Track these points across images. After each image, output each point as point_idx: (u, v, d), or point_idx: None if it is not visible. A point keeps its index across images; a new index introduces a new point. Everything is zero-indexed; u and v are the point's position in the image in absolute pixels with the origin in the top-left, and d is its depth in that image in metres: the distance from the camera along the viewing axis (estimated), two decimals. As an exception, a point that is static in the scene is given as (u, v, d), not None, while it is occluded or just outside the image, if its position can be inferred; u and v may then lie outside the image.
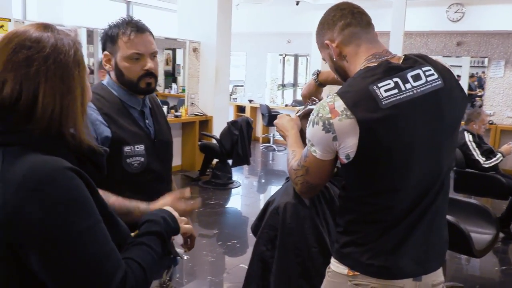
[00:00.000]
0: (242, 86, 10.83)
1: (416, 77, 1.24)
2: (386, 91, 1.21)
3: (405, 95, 1.22)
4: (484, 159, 4.46)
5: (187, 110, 6.98)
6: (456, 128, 1.34)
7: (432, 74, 1.26)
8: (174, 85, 7.86)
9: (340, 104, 1.21)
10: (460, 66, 8.51)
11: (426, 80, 1.25)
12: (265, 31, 9.62)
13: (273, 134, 9.60)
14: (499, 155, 4.49)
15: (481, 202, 3.63)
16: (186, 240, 1.39)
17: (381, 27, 8.06)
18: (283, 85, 10.68)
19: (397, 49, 5.71)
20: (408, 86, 1.22)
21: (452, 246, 3.14)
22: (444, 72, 1.29)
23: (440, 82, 1.26)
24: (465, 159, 4.51)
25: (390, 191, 1.27)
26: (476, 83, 8.38)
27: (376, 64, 1.27)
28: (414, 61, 1.28)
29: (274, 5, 8.18)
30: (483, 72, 8.17)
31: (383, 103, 1.19)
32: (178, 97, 7.53)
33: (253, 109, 10.12)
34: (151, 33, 1.61)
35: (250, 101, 10.31)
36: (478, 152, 4.48)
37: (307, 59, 10.08)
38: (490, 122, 7.25)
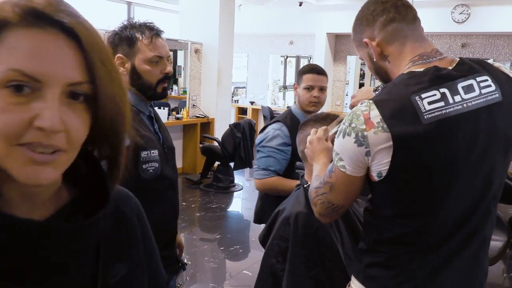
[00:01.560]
0: (244, 87, 10.77)
1: (468, 89, 1.08)
2: (430, 103, 1.05)
3: (452, 109, 1.05)
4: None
5: (189, 112, 6.90)
6: (510, 147, 1.15)
7: (489, 86, 1.09)
8: (175, 87, 7.80)
9: (376, 115, 1.06)
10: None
11: (480, 92, 1.08)
12: (267, 32, 9.56)
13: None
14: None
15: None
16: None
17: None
18: (285, 87, 10.61)
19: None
20: (457, 98, 1.06)
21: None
22: (504, 82, 1.11)
23: (497, 95, 1.09)
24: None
25: (426, 215, 1.12)
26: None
27: (422, 70, 1.11)
28: (469, 68, 1.11)
29: (277, 6, 8.12)
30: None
31: (425, 117, 1.04)
32: (179, 99, 7.46)
33: (255, 111, 10.05)
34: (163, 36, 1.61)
35: (252, 103, 10.24)
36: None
37: (309, 60, 10.01)
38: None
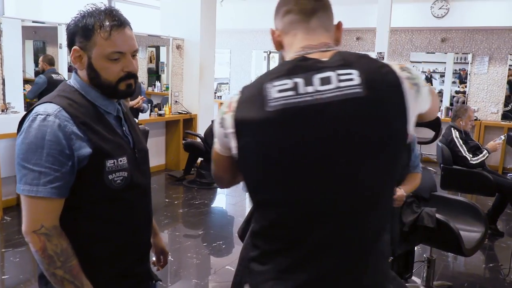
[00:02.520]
0: (227, 83, 10.73)
1: (325, 81, 1.03)
2: (279, 91, 1.04)
3: (301, 99, 1.02)
4: (471, 155, 4.45)
5: (171, 108, 6.87)
6: (387, 147, 1.04)
7: (350, 80, 1.03)
8: (157, 83, 7.74)
9: (236, 100, 1.10)
10: (444, 62, 8.56)
11: (337, 85, 1.03)
12: (250, 28, 9.54)
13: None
14: (485, 151, 4.48)
15: (468, 199, 3.60)
16: (158, 257, 1.31)
17: (367, 24, 8.08)
18: (268, 83, 10.59)
19: (383, 45, 5.68)
20: (309, 89, 1.03)
21: (441, 245, 3.13)
22: (376, 80, 1.04)
23: (359, 90, 1.02)
24: (452, 156, 4.49)
25: (278, 206, 1.09)
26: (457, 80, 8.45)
27: (291, 59, 1.10)
28: (339, 60, 1.07)
29: (259, 1, 8.11)
30: (464, 70, 8.22)
31: (270, 104, 1.03)
32: (162, 95, 7.41)
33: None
34: (130, 27, 1.36)
35: (235, 98, 10.19)
36: (465, 149, 4.47)
37: (292, 56, 10.02)
38: (475, 118, 7.26)
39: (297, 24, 1.16)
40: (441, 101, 8.87)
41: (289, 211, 1.08)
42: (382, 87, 1.03)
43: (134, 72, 1.36)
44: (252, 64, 10.32)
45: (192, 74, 6.91)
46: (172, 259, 3.88)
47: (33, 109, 1.27)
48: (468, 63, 8.10)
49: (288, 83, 1.05)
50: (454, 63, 8.43)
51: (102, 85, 1.33)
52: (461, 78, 8.41)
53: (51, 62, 5.44)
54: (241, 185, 1.24)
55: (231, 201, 5.76)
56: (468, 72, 8.10)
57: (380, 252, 1.10)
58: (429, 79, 9.24)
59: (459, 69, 8.46)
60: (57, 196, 1.22)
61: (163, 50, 7.51)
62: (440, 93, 9.03)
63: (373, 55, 8.51)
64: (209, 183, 6.05)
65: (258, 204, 1.14)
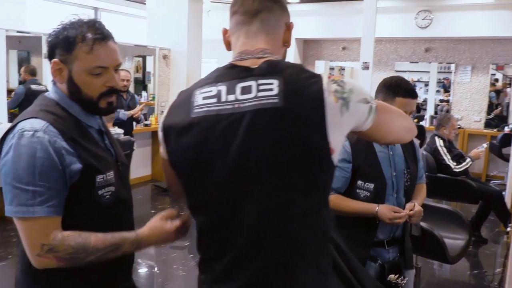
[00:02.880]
0: (214, 93, 10.73)
1: (246, 90, 1.04)
2: (204, 98, 1.06)
3: (222, 107, 1.04)
4: (455, 163, 4.51)
5: (157, 118, 6.85)
6: (301, 160, 1.02)
7: (270, 90, 1.02)
8: (144, 93, 7.72)
9: (170, 105, 1.14)
10: (428, 71, 8.69)
11: (256, 94, 1.02)
12: (236, 38, 9.57)
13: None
14: (468, 159, 4.54)
15: (452, 207, 3.65)
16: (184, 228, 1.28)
17: (352, 34, 8.15)
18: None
19: (368, 55, 5.75)
20: (230, 98, 1.04)
21: (427, 253, 3.15)
22: (296, 92, 1.02)
23: (276, 100, 1.00)
24: (437, 164, 4.54)
25: (195, 211, 1.14)
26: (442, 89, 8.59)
27: (221, 67, 1.12)
28: (264, 69, 1.06)
29: (245, 11, 8.16)
30: (447, 79, 8.35)
31: (194, 111, 1.06)
32: (149, 105, 7.39)
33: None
34: (114, 40, 1.32)
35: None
36: (449, 157, 4.53)
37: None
38: (458, 126, 7.37)
39: (241, 25, 1.15)
40: (425, 109, 8.98)
41: (211, 218, 1.10)
42: (301, 99, 1.01)
43: (116, 88, 1.32)
44: (239, 73, 10.35)
45: (179, 84, 6.91)
46: (158, 271, 3.86)
47: (16, 125, 1.21)
48: (451, 72, 8.23)
49: (212, 90, 1.07)
50: (438, 72, 8.56)
51: (83, 100, 1.29)
52: (445, 87, 8.54)
53: (32, 72, 5.40)
54: None
55: (218, 211, 5.73)
56: (452, 81, 8.22)
57: (311, 264, 1.08)
58: (413, 88, 9.36)
59: (443, 78, 8.59)
60: (54, 214, 1.17)
61: (149, 60, 7.50)
62: (425, 101, 9.15)
63: (358, 64, 8.62)
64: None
65: (189, 210, 1.17)
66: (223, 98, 1.05)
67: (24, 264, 1.25)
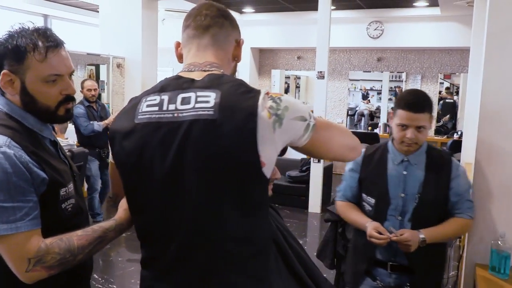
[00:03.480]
0: (170, 102, 10.62)
1: (185, 100, 1.09)
2: (148, 106, 1.13)
3: (162, 115, 1.10)
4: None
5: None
6: (229, 172, 1.05)
7: (206, 102, 1.07)
8: (99, 102, 7.52)
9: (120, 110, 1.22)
10: (381, 80, 8.96)
11: (194, 106, 1.07)
12: (192, 47, 9.51)
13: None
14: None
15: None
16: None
17: (307, 43, 8.25)
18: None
19: (323, 64, 5.84)
20: (171, 107, 1.09)
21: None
22: (231, 105, 1.05)
23: (211, 112, 1.05)
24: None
25: (133, 213, 1.23)
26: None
27: (168, 77, 1.19)
28: (205, 82, 1.11)
29: (201, 20, 8.14)
30: (399, 87, 8.64)
31: (138, 117, 1.13)
32: (102, 115, 7.21)
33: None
34: (65, 47, 1.29)
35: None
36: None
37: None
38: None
39: (192, 39, 1.21)
40: (379, 117, 9.25)
41: (149, 221, 1.16)
42: (235, 112, 1.04)
43: (72, 95, 1.29)
44: (195, 82, 10.29)
45: (134, 93, 6.67)
46: (115, 286, 3.74)
47: None
48: (402, 81, 8.51)
49: (156, 99, 1.13)
50: (390, 81, 8.84)
51: (39, 110, 1.25)
52: (397, 95, 8.83)
53: None
54: None
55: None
56: (403, 90, 8.51)
57: (245, 273, 1.11)
58: (366, 97, 9.62)
59: (395, 87, 8.87)
60: (36, 226, 1.15)
61: (103, 69, 7.32)
62: (378, 109, 9.42)
63: (313, 73, 8.79)
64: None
65: (130, 211, 1.25)
66: (165, 107, 1.11)
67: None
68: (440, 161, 1.98)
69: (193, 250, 1.10)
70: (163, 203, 1.11)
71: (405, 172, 1.95)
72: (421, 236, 1.84)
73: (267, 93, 1.08)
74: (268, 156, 1.05)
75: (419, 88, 8.26)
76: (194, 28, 1.20)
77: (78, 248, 1.17)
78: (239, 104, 1.05)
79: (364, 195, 2.03)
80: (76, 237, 1.18)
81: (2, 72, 1.21)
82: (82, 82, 5.11)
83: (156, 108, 1.11)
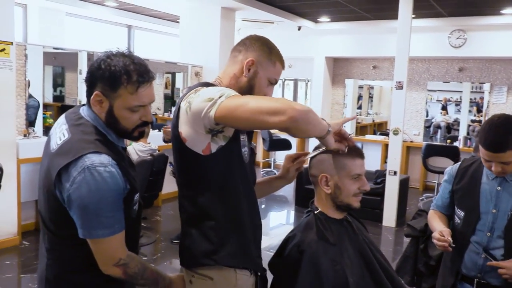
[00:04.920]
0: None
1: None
2: None
3: None
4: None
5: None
6: (174, 146, 1.51)
7: (185, 98, 1.43)
8: (173, 109, 7.81)
9: None
10: (460, 91, 8.52)
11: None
12: (266, 56, 9.60)
13: (274, 159, 9.51)
14: None
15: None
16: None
17: (386, 53, 8.00)
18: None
19: (402, 74, 5.66)
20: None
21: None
22: (181, 98, 1.45)
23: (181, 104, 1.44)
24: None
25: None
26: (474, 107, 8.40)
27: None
28: (195, 86, 1.47)
29: (276, 30, 8.20)
30: (481, 98, 8.17)
31: None
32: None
33: (254, 134, 10.04)
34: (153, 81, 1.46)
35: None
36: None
37: (306, 83, 10.08)
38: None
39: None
40: (457, 129, 8.79)
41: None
42: (179, 104, 1.46)
43: (150, 121, 1.44)
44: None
45: (209, 100, 6.94)
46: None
47: (80, 157, 1.27)
48: (484, 91, 8.05)
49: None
50: (471, 92, 8.38)
51: (119, 130, 1.40)
52: (479, 106, 8.35)
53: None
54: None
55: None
56: (486, 102, 8.04)
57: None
58: (445, 108, 9.19)
59: (474, 98, 8.41)
60: (124, 228, 1.35)
61: (179, 77, 7.61)
62: (456, 121, 8.96)
63: (388, 83, 8.48)
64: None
65: None
66: None
67: (59, 268, 1.41)
68: None
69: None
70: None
71: (499, 188, 1.86)
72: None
73: (199, 89, 1.40)
74: (186, 133, 1.41)
75: (504, 101, 7.76)
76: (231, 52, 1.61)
77: (146, 277, 1.41)
78: (181, 100, 1.45)
79: (455, 208, 1.99)
80: (150, 270, 1.43)
81: (95, 93, 1.34)
82: None
83: None
